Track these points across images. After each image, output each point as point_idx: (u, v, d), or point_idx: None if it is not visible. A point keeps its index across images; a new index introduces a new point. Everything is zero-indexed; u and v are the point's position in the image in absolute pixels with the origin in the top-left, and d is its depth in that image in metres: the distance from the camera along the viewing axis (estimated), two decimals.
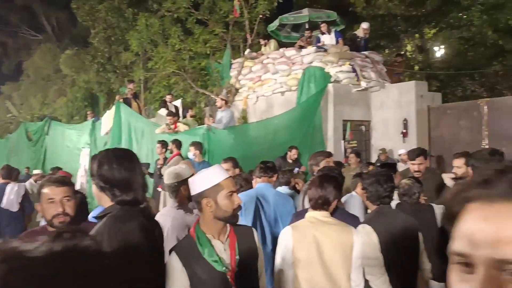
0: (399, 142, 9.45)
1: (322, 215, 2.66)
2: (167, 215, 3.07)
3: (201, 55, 13.52)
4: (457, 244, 0.69)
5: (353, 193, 4.65)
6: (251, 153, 8.05)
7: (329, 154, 4.39)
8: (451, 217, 0.71)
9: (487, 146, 8.52)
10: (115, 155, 1.97)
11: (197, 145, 7.06)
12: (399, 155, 8.73)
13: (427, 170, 4.62)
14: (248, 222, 3.62)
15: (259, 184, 4.02)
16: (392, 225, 2.88)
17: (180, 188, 3.11)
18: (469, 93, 13.19)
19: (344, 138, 9.84)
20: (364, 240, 2.69)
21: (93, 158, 1.99)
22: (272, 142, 9.47)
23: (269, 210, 3.88)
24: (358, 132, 10.37)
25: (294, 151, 8.02)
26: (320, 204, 2.67)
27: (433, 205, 3.67)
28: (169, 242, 2.52)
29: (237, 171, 5.10)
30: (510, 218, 0.65)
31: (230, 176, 2.26)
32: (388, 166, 4.37)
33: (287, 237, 2.62)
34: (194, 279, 2.01)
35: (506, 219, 0.65)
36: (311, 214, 2.70)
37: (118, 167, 1.90)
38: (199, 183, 2.10)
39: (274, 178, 4.17)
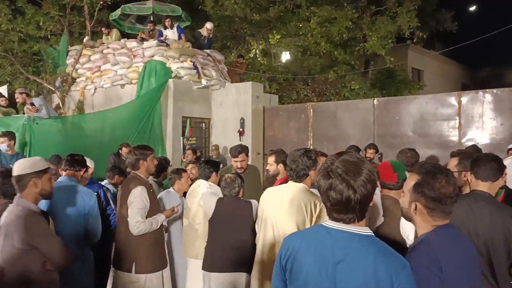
0: (237, 140, 9.79)
1: None
2: None
3: (33, 38, 12.22)
4: None
5: (170, 189, 4.68)
6: (82, 147, 7.44)
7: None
8: None
9: (311, 146, 9.33)
10: None
11: (11, 135, 6.29)
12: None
13: (248, 166, 4.95)
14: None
15: (61, 177, 3.73)
16: None
17: None
18: (302, 97, 14.37)
19: (183, 135, 9.85)
20: None
21: None
22: (107, 136, 9.00)
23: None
24: (199, 129, 10.48)
25: (124, 149, 7.68)
26: None
27: (252, 201, 3.72)
28: None
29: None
30: None
31: None
32: (211, 164, 4.40)
33: None
34: None
35: None
36: None
37: None
38: None
39: (81, 172, 3.90)
